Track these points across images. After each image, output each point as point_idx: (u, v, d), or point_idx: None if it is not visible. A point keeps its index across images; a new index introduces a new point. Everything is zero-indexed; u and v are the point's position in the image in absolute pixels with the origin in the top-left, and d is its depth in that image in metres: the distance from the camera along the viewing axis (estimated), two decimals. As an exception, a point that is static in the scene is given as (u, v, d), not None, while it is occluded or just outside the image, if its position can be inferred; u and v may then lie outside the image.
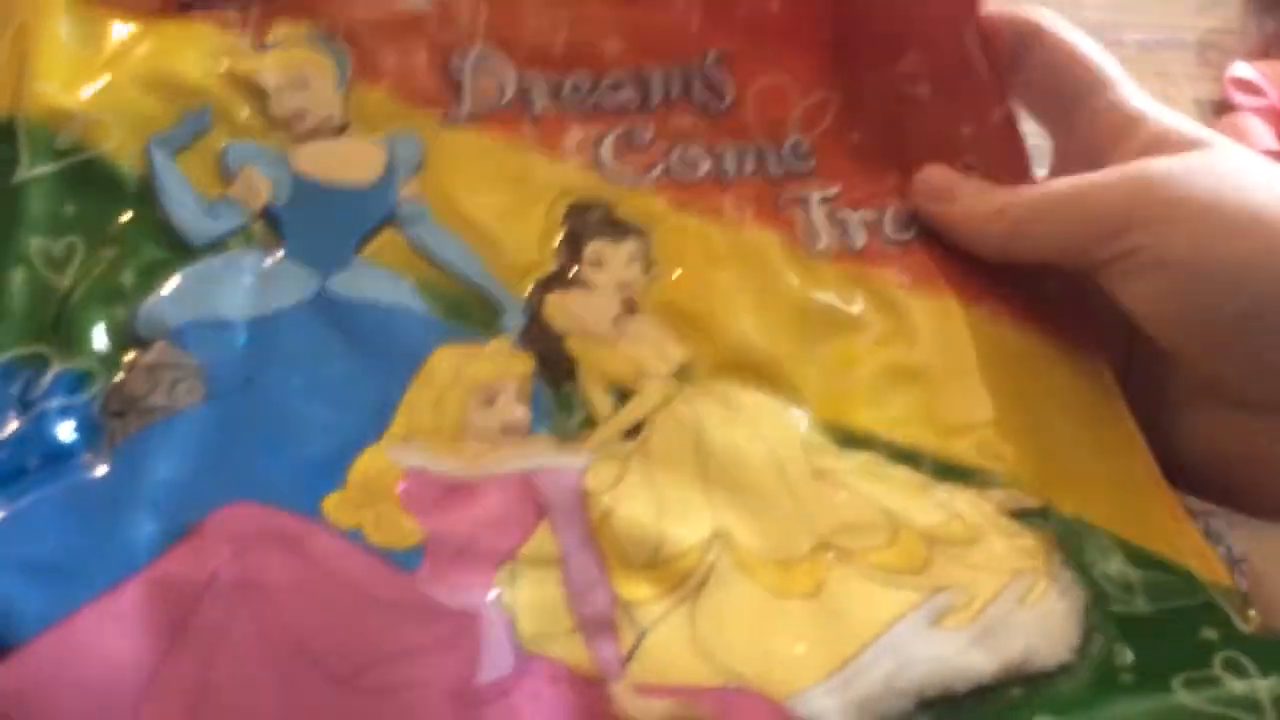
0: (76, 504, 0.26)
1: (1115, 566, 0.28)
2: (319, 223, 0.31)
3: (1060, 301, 0.32)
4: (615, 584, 0.27)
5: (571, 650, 0.26)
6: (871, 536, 0.28)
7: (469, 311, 0.30)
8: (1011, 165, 0.33)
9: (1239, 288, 0.28)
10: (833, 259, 0.32)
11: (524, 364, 0.30)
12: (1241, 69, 0.51)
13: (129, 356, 0.28)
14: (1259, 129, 0.48)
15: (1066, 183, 0.31)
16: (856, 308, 0.32)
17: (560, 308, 0.31)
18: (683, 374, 0.30)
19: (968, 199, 0.32)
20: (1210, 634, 0.27)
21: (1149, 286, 0.29)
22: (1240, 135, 0.48)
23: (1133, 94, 0.33)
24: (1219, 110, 0.50)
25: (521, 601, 0.26)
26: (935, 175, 0.33)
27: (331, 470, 0.27)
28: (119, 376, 0.28)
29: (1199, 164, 0.29)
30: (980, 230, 0.32)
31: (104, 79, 0.31)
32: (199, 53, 0.32)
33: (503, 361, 0.30)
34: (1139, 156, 0.30)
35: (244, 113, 0.32)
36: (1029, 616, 0.27)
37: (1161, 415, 0.31)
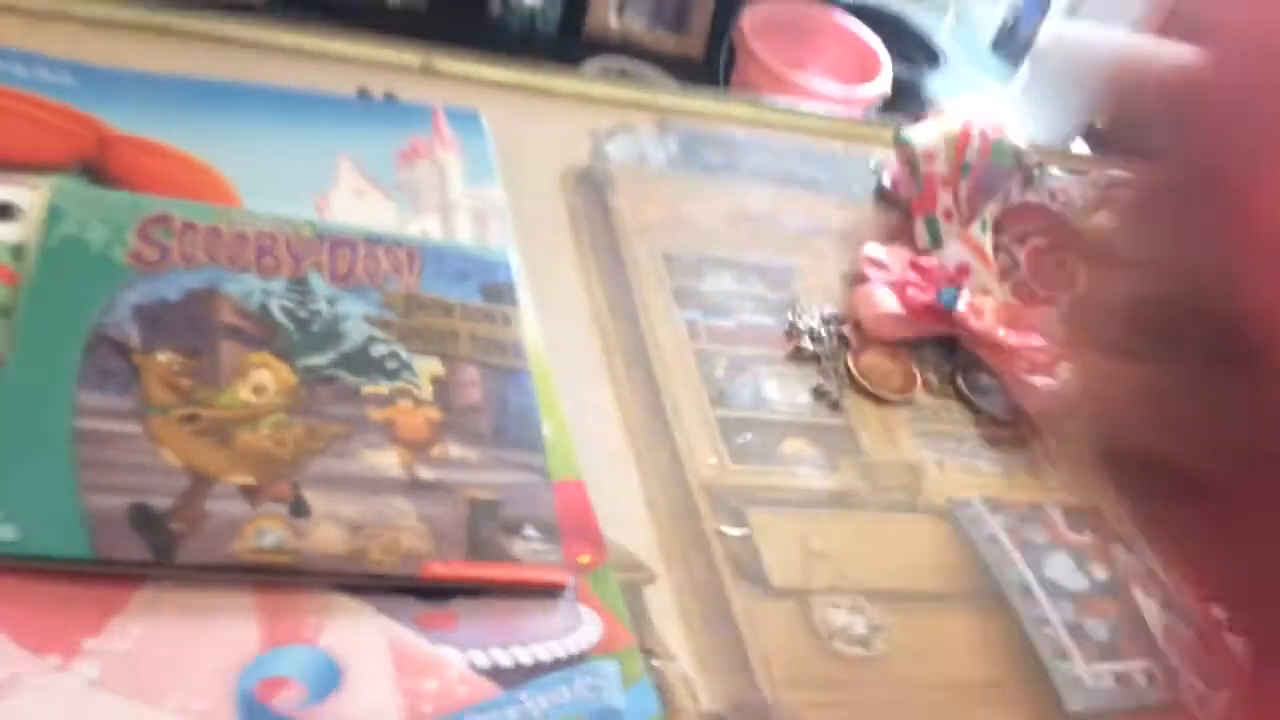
0: None
1: None
2: None
3: None
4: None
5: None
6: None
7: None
8: None
9: None
10: None
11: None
12: (872, 249, 0.64)
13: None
14: (885, 295, 0.61)
15: None
16: None
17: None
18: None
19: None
20: None
21: None
22: (870, 301, 0.61)
23: None
24: (855, 281, 0.63)
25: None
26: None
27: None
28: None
29: None
30: None
31: None
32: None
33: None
34: None
35: None
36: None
37: None
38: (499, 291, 0.52)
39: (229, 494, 0.40)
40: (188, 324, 0.44)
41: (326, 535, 0.40)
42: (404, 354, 0.47)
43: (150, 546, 0.37)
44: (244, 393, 0.43)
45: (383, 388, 0.45)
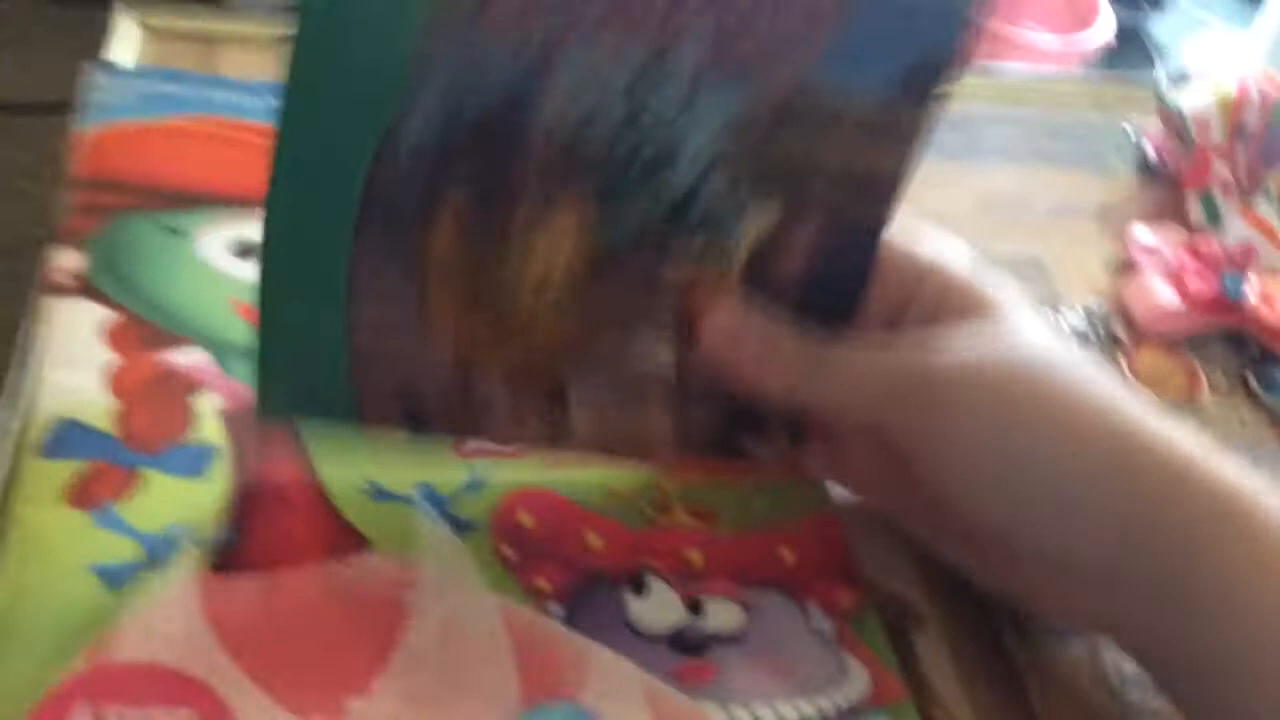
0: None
1: None
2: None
3: None
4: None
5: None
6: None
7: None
8: None
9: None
10: None
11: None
12: (1141, 232, 0.57)
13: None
14: (1162, 287, 0.55)
15: (861, 356, 0.36)
16: None
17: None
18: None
19: (755, 344, 0.36)
20: None
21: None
22: (1145, 291, 0.55)
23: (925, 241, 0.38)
24: (1123, 269, 0.57)
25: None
26: (723, 319, 0.36)
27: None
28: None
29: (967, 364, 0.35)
30: (767, 377, 0.36)
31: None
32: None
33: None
34: (928, 317, 0.37)
35: None
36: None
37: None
38: (925, 76, 0.33)
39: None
40: (492, 147, 0.33)
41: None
42: (743, 198, 0.34)
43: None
44: (532, 264, 0.35)
45: (691, 253, 0.35)
